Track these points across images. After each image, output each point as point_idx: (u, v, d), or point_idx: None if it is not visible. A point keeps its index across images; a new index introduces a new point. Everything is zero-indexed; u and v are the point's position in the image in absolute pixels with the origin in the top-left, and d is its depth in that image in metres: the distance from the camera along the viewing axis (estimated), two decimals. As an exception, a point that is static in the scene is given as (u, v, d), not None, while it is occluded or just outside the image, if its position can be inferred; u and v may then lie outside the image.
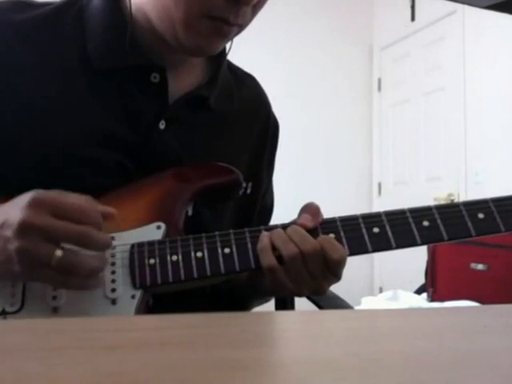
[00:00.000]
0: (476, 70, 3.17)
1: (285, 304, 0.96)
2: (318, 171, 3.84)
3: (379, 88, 4.04)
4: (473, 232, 0.64)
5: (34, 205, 0.57)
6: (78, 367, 0.26)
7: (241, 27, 0.70)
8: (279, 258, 0.64)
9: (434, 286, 2.36)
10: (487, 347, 0.33)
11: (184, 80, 0.77)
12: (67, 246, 0.58)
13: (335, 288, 0.78)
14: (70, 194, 0.61)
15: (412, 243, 0.64)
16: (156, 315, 0.53)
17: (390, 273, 3.72)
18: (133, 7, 0.71)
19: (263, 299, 0.83)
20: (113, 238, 0.65)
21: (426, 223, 0.64)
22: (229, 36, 0.70)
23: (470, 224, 0.64)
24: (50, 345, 0.32)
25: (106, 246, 0.60)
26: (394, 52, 3.91)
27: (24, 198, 0.58)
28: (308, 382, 0.24)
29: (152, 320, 0.47)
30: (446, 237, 0.64)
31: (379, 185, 4.00)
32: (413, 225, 0.64)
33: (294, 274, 0.64)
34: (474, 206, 0.65)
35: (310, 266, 0.63)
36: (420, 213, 0.65)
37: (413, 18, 3.71)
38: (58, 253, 0.57)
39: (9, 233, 0.57)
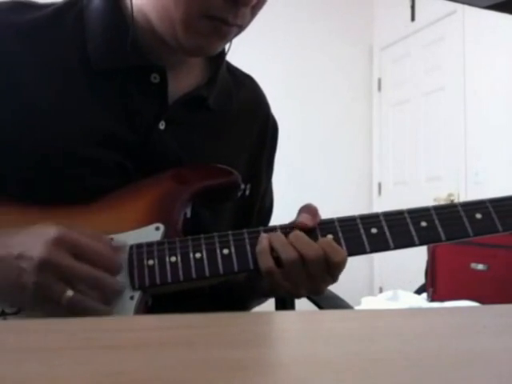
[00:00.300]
0: (476, 70, 3.17)
1: (285, 304, 0.96)
2: (318, 171, 3.84)
3: (379, 88, 4.04)
4: (470, 232, 0.64)
5: (56, 243, 0.58)
6: (78, 367, 0.26)
7: (240, 28, 0.70)
8: (277, 260, 0.64)
9: (434, 286, 2.36)
10: (487, 347, 0.33)
11: (183, 80, 0.77)
12: (80, 286, 0.59)
13: (335, 288, 0.78)
14: (92, 233, 0.62)
15: (410, 244, 0.64)
16: (155, 315, 0.53)
17: (390, 273, 3.72)
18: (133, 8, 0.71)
19: (261, 299, 0.83)
20: (112, 239, 0.65)
21: (423, 224, 0.64)
22: (228, 36, 0.70)
23: (467, 224, 0.64)
24: (49, 345, 0.32)
25: (118, 293, 0.62)
26: (394, 52, 3.91)
27: (46, 234, 0.59)
28: (308, 382, 0.24)
29: (152, 320, 0.47)
30: (443, 237, 0.64)
31: (379, 185, 4.00)
32: (411, 225, 0.64)
33: (292, 277, 0.64)
34: (471, 206, 0.65)
35: (311, 269, 0.64)
36: (418, 213, 0.65)
37: (413, 18, 3.71)
38: (69, 293, 0.58)
39: (26, 265, 0.58)
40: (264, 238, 0.65)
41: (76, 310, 0.59)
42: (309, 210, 0.67)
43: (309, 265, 0.63)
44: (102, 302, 0.60)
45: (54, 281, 0.58)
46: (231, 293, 0.78)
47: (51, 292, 0.58)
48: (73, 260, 0.59)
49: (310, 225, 0.65)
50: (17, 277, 0.58)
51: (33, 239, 0.59)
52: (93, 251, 0.60)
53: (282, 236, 0.65)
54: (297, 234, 0.65)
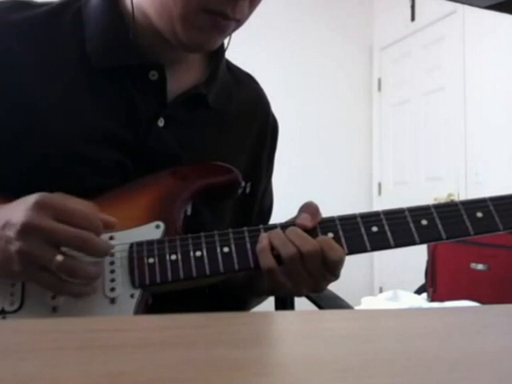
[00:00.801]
0: (476, 70, 3.17)
1: (285, 304, 0.96)
2: (318, 171, 3.84)
3: (379, 88, 4.04)
4: (471, 231, 0.64)
5: (37, 207, 0.58)
6: (78, 367, 0.26)
7: (238, 22, 0.70)
8: (278, 258, 0.64)
9: (434, 286, 2.36)
10: (487, 347, 0.33)
11: (183, 78, 0.77)
12: (67, 250, 0.58)
13: (335, 288, 0.78)
14: (73, 198, 0.62)
15: (410, 242, 0.64)
16: (156, 315, 0.53)
17: (390, 273, 3.72)
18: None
19: (261, 299, 0.83)
20: (112, 238, 0.65)
21: (424, 222, 0.64)
22: (227, 31, 0.70)
23: (468, 223, 0.64)
24: (50, 345, 0.32)
25: (106, 252, 0.61)
26: (394, 52, 3.91)
27: (28, 200, 0.59)
28: (308, 382, 0.24)
29: (152, 320, 0.47)
30: (444, 236, 0.64)
31: (379, 185, 4.00)
32: (411, 224, 0.64)
33: (292, 274, 0.64)
34: (472, 204, 0.65)
35: (308, 266, 0.63)
36: (418, 212, 0.65)
37: (413, 18, 3.71)
38: (59, 257, 0.57)
39: (10, 233, 0.57)
40: (264, 236, 0.65)
41: (66, 276, 0.58)
42: (309, 209, 0.67)
43: (306, 260, 0.63)
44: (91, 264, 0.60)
45: (39, 245, 0.57)
46: (230, 292, 0.78)
47: (39, 258, 0.57)
48: (55, 222, 0.57)
49: (310, 226, 0.65)
50: (4, 246, 0.57)
51: (15, 207, 0.59)
52: (75, 214, 0.59)
53: (282, 233, 0.65)
54: (293, 228, 0.65)
